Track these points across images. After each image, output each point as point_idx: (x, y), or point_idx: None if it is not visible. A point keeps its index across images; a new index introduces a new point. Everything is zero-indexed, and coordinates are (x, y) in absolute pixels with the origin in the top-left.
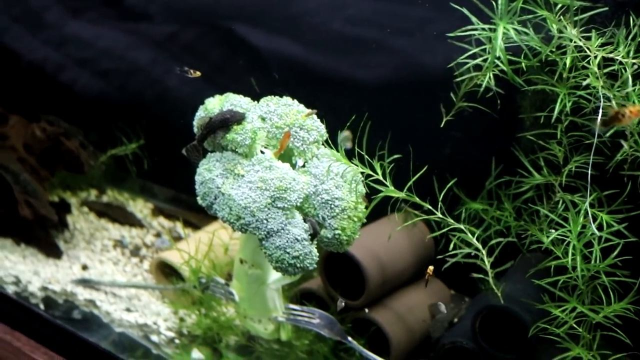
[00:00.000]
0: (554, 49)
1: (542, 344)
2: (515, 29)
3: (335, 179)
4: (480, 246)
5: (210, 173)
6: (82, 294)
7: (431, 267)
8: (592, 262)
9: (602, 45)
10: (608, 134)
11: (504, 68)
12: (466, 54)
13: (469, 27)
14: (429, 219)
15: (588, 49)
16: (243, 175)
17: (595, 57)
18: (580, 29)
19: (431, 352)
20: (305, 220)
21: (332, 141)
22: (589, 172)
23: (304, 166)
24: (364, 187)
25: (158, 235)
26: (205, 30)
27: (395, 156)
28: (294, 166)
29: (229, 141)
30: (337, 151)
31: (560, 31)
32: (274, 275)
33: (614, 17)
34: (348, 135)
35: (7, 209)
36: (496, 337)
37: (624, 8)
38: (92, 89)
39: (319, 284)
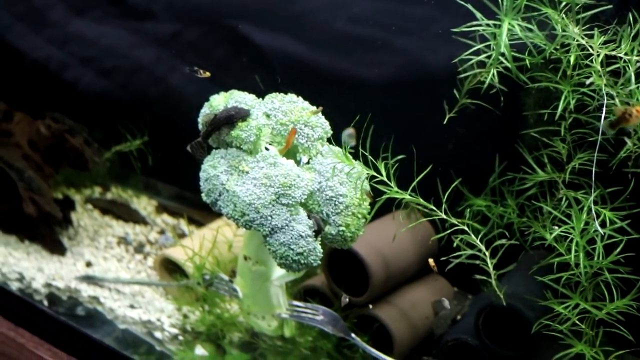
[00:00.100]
0: (558, 47)
1: (545, 341)
2: (520, 26)
3: (340, 175)
4: (483, 247)
5: (214, 170)
6: (86, 291)
7: (431, 260)
8: (595, 259)
9: (605, 42)
10: (612, 132)
11: (508, 65)
12: (470, 50)
13: (474, 22)
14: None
15: (591, 47)
16: (247, 172)
17: (598, 55)
18: (585, 27)
19: (434, 349)
20: (309, 217)
21: (336, 139)
22: (593, 169)
23: (308, 163)
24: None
25: (162, 232)
26: (209, 28)
27: (399, 157)
28: (298, 163)
29: (233, 138)
30: (342, 148)
31: (563, 29)
32: (278, 272)
33: (618, 14)
34: (352, 132)
35: (11, 206)
36: (499, 334)
37: (628, 6)
38: (96, 87)
39: (322, 280)
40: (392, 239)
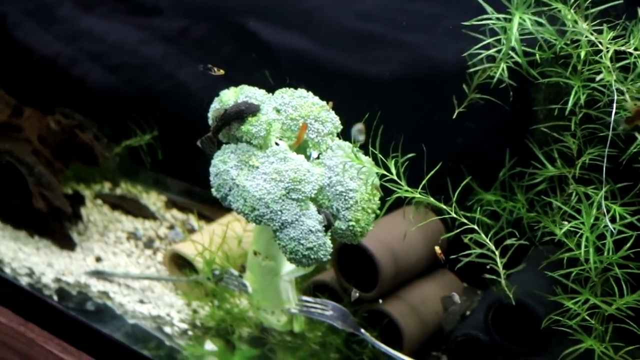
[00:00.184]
0: (568, 42)
1: (555, 336)
2: (530, 20)
3: (350, 170)
4: (493, 247)
5: (224, 165)
6: (96, 286)
7: (437, 247)
8: (605, 254)
9: (615, 38)
10: (622, 127)
11: (518, 60)
12: (480, 44)
13: (484, 16)
14: (442, 212)
15: (600, 43)
16: (258, 167)
17: (607, 50)
18: (596, 22)
19: (443, 344)
20: (319, 212)
21: (345, 135)
22: (604, 164)
23: (318, 158)
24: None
25: (171, 227)
26: (217, 25)
27: (409, 155)
28: (308, 158)
29: (243, 133)
30: (351, 143)
31: (572, 25)
32: (288, 267)
33: (628, 10)
34: (361, 128)
35: (21, 201)
36: (509, 330)
37: (638, 1)
38: (105, 83)
39: (332, 276)
40: (403, 235)
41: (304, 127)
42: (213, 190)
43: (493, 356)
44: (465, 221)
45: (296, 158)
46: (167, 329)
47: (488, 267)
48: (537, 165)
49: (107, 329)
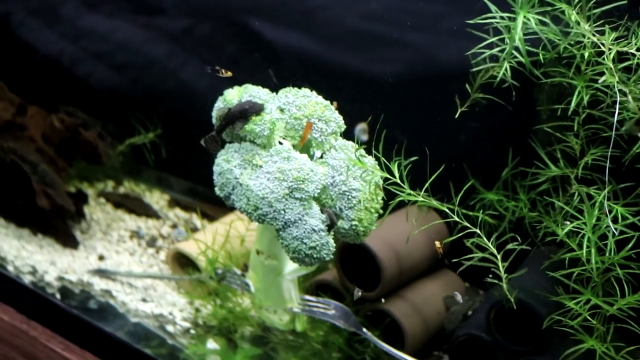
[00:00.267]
0: (572, 42)
1: (557, 337)
2: (535, 19)
3: (353, 170)
4: (495, 250)
5: (228, 164)
6: (99, 284)
7: (438, 243)
8: (607, 254)
9: (618, 39)
10: (625, 127)
11: (521, 60)
12: (484, 43)
13: (489, 14)
14: (444, 211)
15: (602, 44)
16: (261, 166)
17: (610, 52)
18: (599, 23)
19: (445, 344)
20: (322, 211)
21: (348, 135)
22: (607, 165)
23: (321, 157)
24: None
25: (174, 226)
26: (220, 24)
27: (413, 158)
28: (311, 157)
29: (247, 132)
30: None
31: (574, 26)
32: (290, 266)
33: (632, 10)
34: (364, 127)
35: (25, 199)
36: (511, 330)
37: None
38: (109, 82)
39: (334, 275)
40: (405, 235)
41: (309, 127)
42: (216, 189)
43: (495, 356)
44: (468, 225)
45: (300, 157)
46: (170, 328)
47: (490, 276)
48: (540, 165)
49: (110, 327)
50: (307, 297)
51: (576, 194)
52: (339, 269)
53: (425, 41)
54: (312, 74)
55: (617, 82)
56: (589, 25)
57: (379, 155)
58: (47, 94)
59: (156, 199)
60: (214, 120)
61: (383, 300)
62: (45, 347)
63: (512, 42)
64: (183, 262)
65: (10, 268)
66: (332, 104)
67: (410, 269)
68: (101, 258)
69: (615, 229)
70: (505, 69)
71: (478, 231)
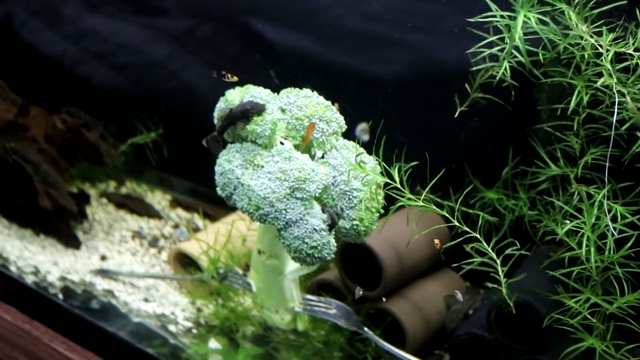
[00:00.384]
0: (572, 43)
1: (557, 335)
2: (535, 18)
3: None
4: (494, 255)
5: (230, 164)
6: (101, 284)
7: (436, 240)
8: (606, 253)
9: (616, 39)
10: (624, 127)
11: (521, 59)
12: (483, 42)
13: (489, 13)
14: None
15: (600, 45)
16: (262, 166)
17: (607, 53)
18: (599, 24)
19: (446, 343)
20: (323, 211)
21: (349, 135)
22: (607, 164)
23: (322, 157)
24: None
25: (176, 226)
26: (222, 25)
27: (413, 163)
28: (313, 157)
29: (249, 132)
30: (356, 143)
31: (572, 27)
32: (292, 266)
33: (631, 11)
34: (365, 127)
35: (27, 200)
36: (511, 328)
37: None
38: (110, 82)
39: (335, 275)
40: (406, 234)
41: (311, 127)
42: (218, 189)
43: (495, 355)
44: (468, 229)
45: (301, 157)
46: (172, 328)
47: (489, 284)
48: (540, 165)
49: (112, 327)
50: (309, 296)
51: (576, 193)
52: (340, 268)
53: (426, 42)
54: (313, 75)
55: (615, 83)
56: (587, 27)
57: (380, 161)
58: (49, 95)
59: (158, 199)
60: (215, 121)
61: (384, 299)
62: (48, 347)
63: (512, 41)
64: (185, 262)
65: (12, 268)
66: (333, 104)
67: (411, 268)
68: (103, 258)
69: (615, 228)
70: (505, 69)
71: (477, 236)
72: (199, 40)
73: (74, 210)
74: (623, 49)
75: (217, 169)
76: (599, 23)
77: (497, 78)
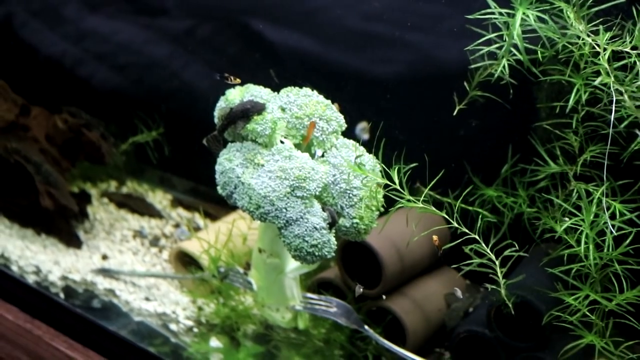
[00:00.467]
0: (572, 42)
1: (557, 333)
2: (534, 15)
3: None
4: (493, 257)
5: (230, 163)
6: (102, 284)
7: (435, 237)
8: (605, 250)
9: (613, 37)
10: (623, 125)
11: (520, 57)
12: (482, 39)
13: (488, 10)
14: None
15: (597, 45)
16: (263, 165)
17: (605, 51)
18: (597, 22)
19: (446, 340)
20: (323, 209)
21: (349, 134)
22: (605, 161)
23: (322, 156)
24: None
25: (177, 225)
26: (222, 25)
27: (412, 165)
28: (313, 156)
29: (249, 131)
30: (356, 141)
31: (568, 27)
32: (292, 264)
33: (630, 9)
34: (365, 126)
35: (28, 200)
36: (511, 326)
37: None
38: (111, 82)
39: (336, 273)
40: (406, 232)
41: (312, 126)
42: (218, 188)
43: (495, 352)
44: (467, 231)
45: (301, 156)
46: (173, 326)
47: (487, 286)
48: (539, 162)
49: (113, 326)
50: (309, 295)
51: (575, 191)
52: (340, 266)
53: (425, 41)
54: (312, 74)
55: (613, 82)
56: (583, 26)
57: (380, 163)
58: (50, 95)
59: (159, 198)
60: (216, 120)
61: (384, 297)
62: (49, 346)
63: (511, 38)
64: (186, 261)
65: (14, 268)
66: (332, 104)
67: (412, 266)
68: (104, 257)
69: (613, 226)
70: (504, 67)
71: (476, 237)
72: (200, 40)
73: (75, 210)
74: (620, 48)
75: (217, 168)
76: (597, 21)
77: (496, 76)
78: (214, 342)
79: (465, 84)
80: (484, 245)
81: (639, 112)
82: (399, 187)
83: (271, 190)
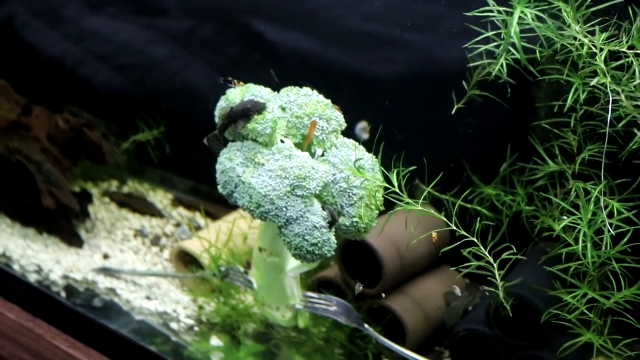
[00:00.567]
0: (568, 41)
1: (556, 331)
2: (532, 14)
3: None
4: (491, 259)
5: (231, 162)
6: (103, 282)
7: (434, 234)
8: (603, 248)
9: (610, 37)
10: (621, 124)
11: (518, 57)
12: (480, 37)
13: (486, 8)
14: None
15: (594, 45)
16: (263, 164)
17: (601, 52)
18: (595, 22)
19: (446, 339)
20: (323, 208)
21: (348, 134)
22: (603, 160)
23: (322, 155)
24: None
25: (178, 225)
26: (222, 25)
27: (411, 168)
28: (313, 155)
29: (249, 130)
30: (356, 141)
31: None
32: (292, 263)
33: (628, 8)
34: (365, 126)
35: (30, 199)
36: (510, 324)
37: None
38: (112, 82)
39: (336, 272)
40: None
41: (313, 125)
42: (219, 187)
43: (495, 351)
44: (465, 234)
45: (301, 155)
46: (174, 325)
47: (486, 289)
48: (538, 161)
49: (114, 325)
50: (309, 293)
51: (573, 190)
52: (340, 265)
53: (425, 41)
54: (312, 74)
55: (610, 82)
56: (580, 27)
57: (381, 168)
58: (52, 95)
59: (160, 198)
60: (216, 119)
61: (384, 295)
62: (51, 345)
63: (508, 36)
64: (186, 260)
65: (15, 267)
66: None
67: (411, 265)
68: (105, 257)
69: (611, 224)
70: (502, 66)
71: (475, 240)
72: (200, 40)
73: (77, 209)
74: (617, 48)
75: (218, 167)
76: (596, 21)
77: (493, 74)
78: (215, 341)
79: (464, 83)
80: (482, 248)
81: (636, 111)
82: (398, 190)
83: (271, 189)
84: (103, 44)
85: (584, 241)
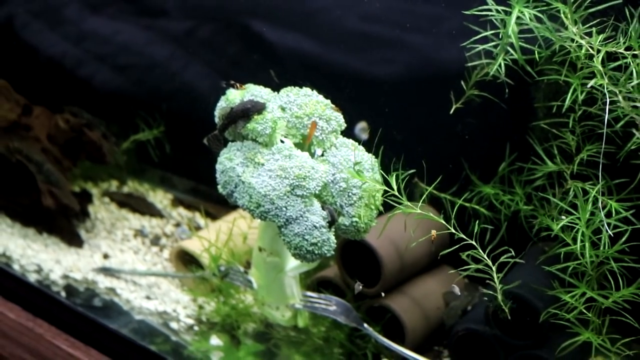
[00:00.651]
0: (566, 42)
1: (555, 330)
2: (530, 14)
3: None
4: (490, 262)
5: (231, 162)
6: (103, 282)
7: (434, 232)
8: (601, 248)
9: (607, 39)
10: (619, 125)
11: (516, 57)
12: (478, 36)
13: (484, 7)
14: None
15: (591, 47)
16: (263, 164)
17: (599, 53)
18: (594, 23)
19: (445, 339)
20: (323, 208)
21: (348, 134)
22: (601, 160)
23: (322, 155)
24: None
25: (178, 225)
26: (222, 26)
27: (411, 171)
28: (312, 155)
29: (249, 130)
30: (355, 141)
31: (559, 29)
32: (292, 263)
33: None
34: (364, 126)
35: (30, 199)
36: (510, 324)
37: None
38: (112, 83)
39: (335, 272)
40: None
41: (314, 126)
42: (219, 187)
43: (494, 350)
44: (464, 236)
45: (301, 155)
46: (174, 325)
47: (484, 291)
48: (536, 161)
49: (115, 324)
50: (309, 293)
51: (571, 190)
52: (340, 265)
53: (424, 42)
54: (312, 75)
55: (607, 83)
56: (577, 28)
57: (381, 172)
58: (52, 95)
59: (160, 198)
60: (216, 120)
61: (383, 295)
62: (51, 344)
63: (506, 36)
64: (186, 259)
65: (16, 267)
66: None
67: (411, 265)
68: (106, 256)
69: (609, 224)
70: (500, 66)
71: (473, 242)
72: (200, 41)
73: (77, 209)
74: (614, 49)
75: (218, 167)
76: (594, 22)
77: (491, 74)
78: (215, 340)
79: (462, 83)
80: (480, 251)
81: (634, 112)
82: (397, 194)
83: (271, 189)
84: (103, 45)
85: (582, 241)
